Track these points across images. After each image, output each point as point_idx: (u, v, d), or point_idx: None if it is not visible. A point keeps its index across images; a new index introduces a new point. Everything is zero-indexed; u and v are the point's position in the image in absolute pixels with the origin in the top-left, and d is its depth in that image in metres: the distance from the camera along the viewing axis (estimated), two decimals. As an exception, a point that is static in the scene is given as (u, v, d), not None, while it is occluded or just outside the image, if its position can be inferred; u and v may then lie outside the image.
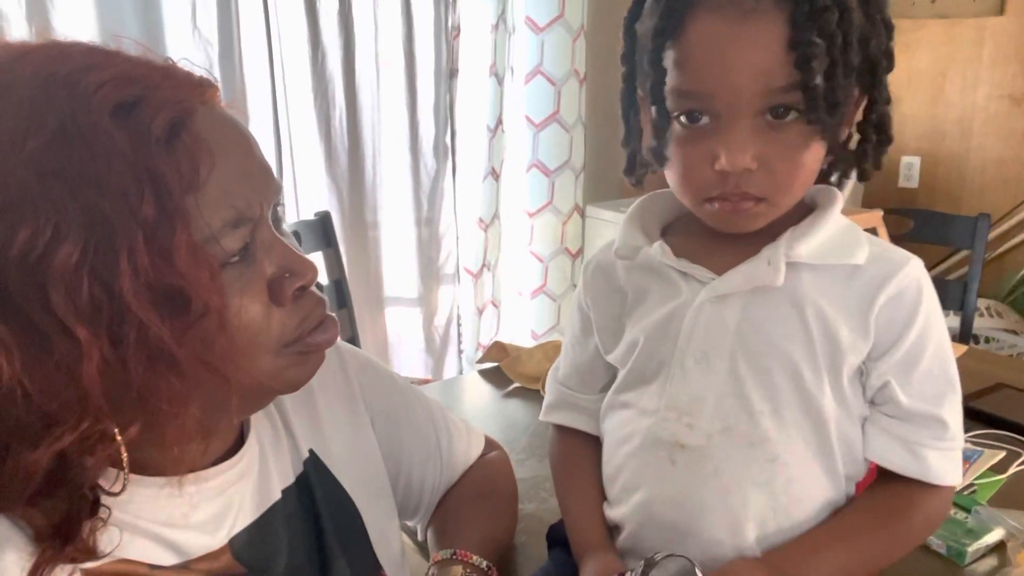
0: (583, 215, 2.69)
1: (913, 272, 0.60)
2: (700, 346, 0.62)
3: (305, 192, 2.18)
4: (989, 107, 2.64)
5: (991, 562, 0.82)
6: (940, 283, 2.11)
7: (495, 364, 1.37)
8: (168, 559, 0.53)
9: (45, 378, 0.43)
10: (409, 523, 0.83)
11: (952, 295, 1.97)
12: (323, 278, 1.70)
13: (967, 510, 0.86)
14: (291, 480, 0.63)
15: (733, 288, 0.61)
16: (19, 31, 1.58)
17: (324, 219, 1.72)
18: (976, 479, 0.96)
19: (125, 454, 0.48)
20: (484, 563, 0.71)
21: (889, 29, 0.57)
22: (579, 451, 0.74)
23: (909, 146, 2.81)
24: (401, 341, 2.50)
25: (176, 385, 0.46)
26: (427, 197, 2.41)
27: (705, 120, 0.56)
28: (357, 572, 0.64)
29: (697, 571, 0.56)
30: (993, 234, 2.59)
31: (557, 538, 0.75)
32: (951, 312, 2.04)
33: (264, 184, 0.52)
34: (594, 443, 0.73)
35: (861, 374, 0.62)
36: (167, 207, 0.44)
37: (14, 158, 0.42)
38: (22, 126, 0.42)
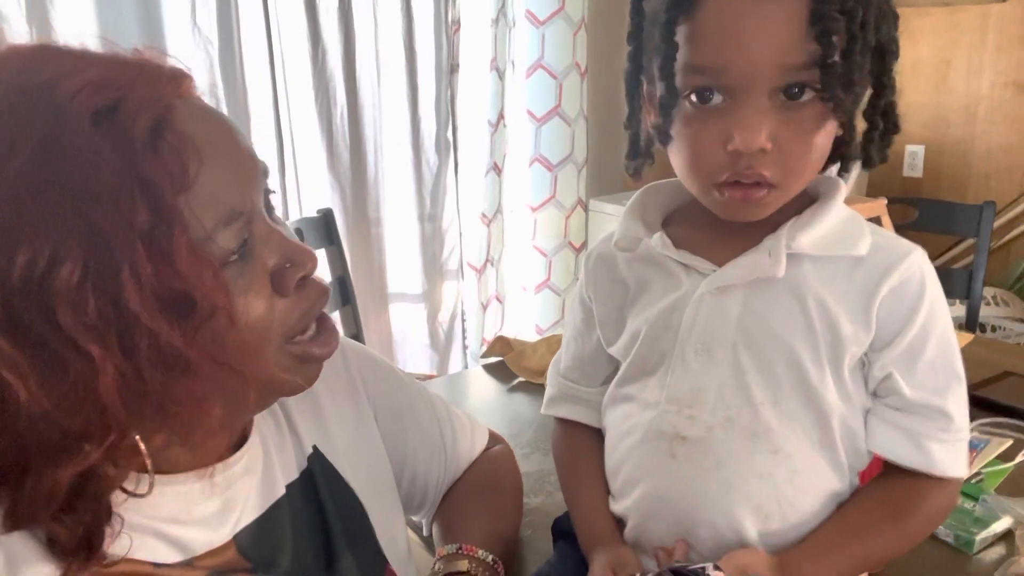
0: (586, 209, 2.69)
1: (916, 262, 0.60)
2: (701, 338, 0.62)
3: (307, 189, 2.18)
4: (994, 94, 2.62)
5: (999, 550, 0.81)
6: (946, 272, 2.10)
7: (499, 359, 1.37)
8: (172, 556, 0.52)
9: (63, 397, 0.43)
10: (414, 518, 0.83)
11: (958, 284, 1.96)
12: (327, 275, 1.70)
13: (975, 498, 0.86)
14: (295, 476, 0.63)
15: (734, 280, 0.61)
16: (19, 32, 1.58)
17: (327, 216, 1.72)
18: (983, 467, 0.95)
19: (149, 461, 0.48)
20: (490, 557, 0.71)
21: (895, 17, 0.56)
22: (582, 444, 0.74)
23: (913, 135, 2.80)
24: (406, 337, 2.50)
25: (194, 388, 0.46)
26: (430, 193, 2.41)
27: (717, 99, 0.54)
28: (363, 567, 0.64)
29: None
30: (999, 222, 2.57)
31: (562, 531, 0.75)
32: (957, 301, 2.03)
33: (252, 173, 0.51)
34: (597, 436, 0.73)
35: (863, 365, 0.62)
36: (162, 211, 0.43)
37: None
38: (2, 147, 0.41)
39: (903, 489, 0.61)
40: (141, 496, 0.49)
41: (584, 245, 2.68)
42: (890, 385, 0.61)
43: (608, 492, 0.70)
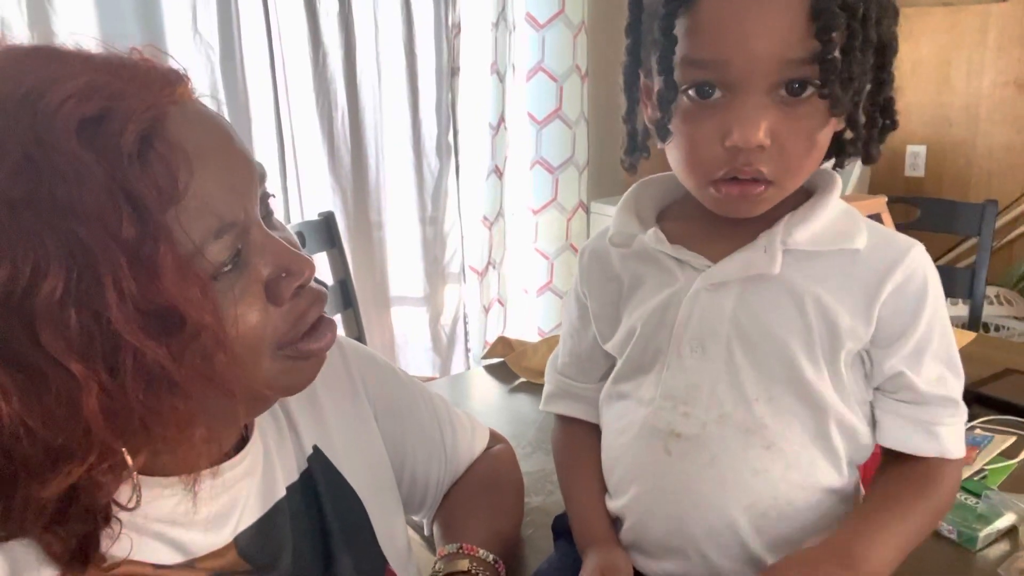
0: (587, 211, 2.69)
1: (918, 258, 0.60)
2: (696, 334, 0.62)
3: (309, 193, 2.19)
4: (995, 94, 2.62)
5: (1003, 547, 0.81)
6: (948, 271, 2.09)
7: (500, 359, 1.37)
8: (173, 558, 0.52)
9: (46, 415, 0.42)
10: (415, 518, 0.83)
11: (961, 283, 1.96)
12: (328, 278, 1.70)
13: (977, 495, 0.85)
14: (295, 477, 0.62)
15: (728, 276, 0.60)
16: (21, 36, 1.59)
17: (328, 220, 1.72)
18: (986, 464, 0.95)
19: (136, 475, 0.47)
20: (490, 556, 0.70)
21: (896, 13, 0.56)
22: (580, 441, 0.74)
23: (915, 135, 2.79)
24: (408, 340, 2.50)
25: (180, 407, 0.45)
26: (431, 196, 2.41)
27: (716, 94, 0.54)
28: (363, 568, 0.64)
29: None
30: (1001, 221, 2.57)
31: (562, 529, 0.75)
32: (960, 300, 2.03)
33: (247, 180, 0.50)
34: (595, 432, 0.73)
35: (863, 361, 0.62)
36: (148, 226, 0.42)
37: None
38: None
39: (920, 472, 0.62)
40: (130, 510, 0.48)
41: (586, 247, 2.68)
42: (901, 382, 0.61)
43: (605, 490, 0.70)
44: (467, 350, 2.62)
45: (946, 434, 0.61)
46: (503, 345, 1.39)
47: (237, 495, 0.56)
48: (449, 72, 2.36)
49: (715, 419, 0.61)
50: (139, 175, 0.42)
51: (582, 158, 2.60)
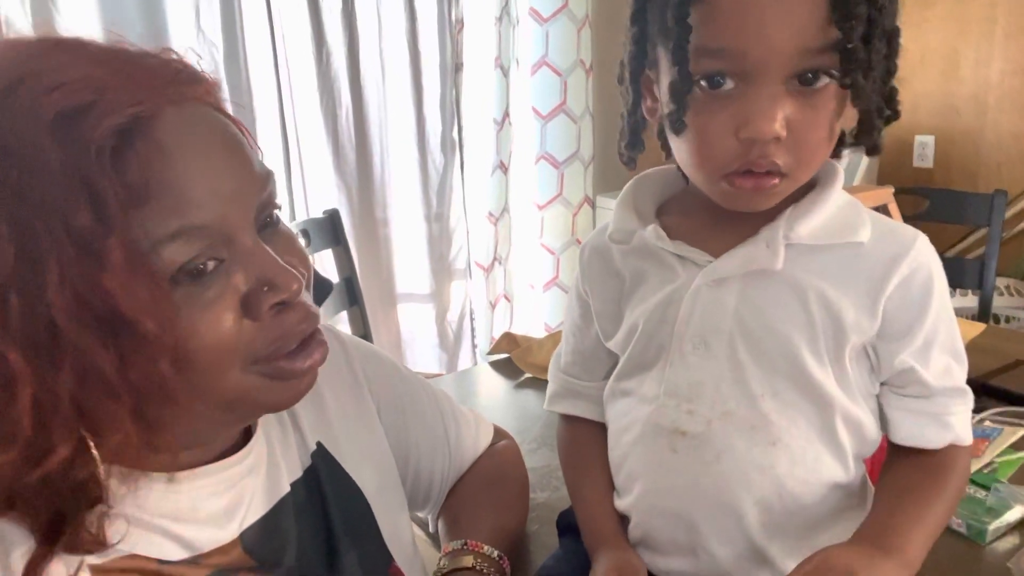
0: (593, 206, 2.68)
1: (923, 251, 0.59)
2: (698, 331, 0.61)
3: (314, 191, 2.19)
4: (1004, 82, 2.60)
5: (1013, 540, 0.80)
6: (958, 262, 2.08)
7: (506, 355, 1.37)
8: (178, 553, 0.52)
9: None
10: (419, 514, 0.82)
11: (970, 274, 1.94)
12: (334, 276, 1.70)
13: (987, 488, 0.85)
14: (299, 474, 0.62)
15: (730, 272, 0.60)
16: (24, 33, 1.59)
17: (333, 217, 1.72)
18: (996, 456, 0.94)
19: (107, 467, 0.46)
20: (495, 553, 0.70)
21: (897, 1, 0.56)
22: (586, 439, 0.73)
23: (923, 125, 2.77)
24: (414, 337, 2.50)
25: (114, 408, 0.44)
26: (436, 192, 2.41)
27: (729, 85, 0.52)
28: (368, 564, 0.64)
29: None
30: (1011, 211, 2.55)
31: (567, 525, 0.75)
32: (970, 291, 2.01)
33: (239, 190, 0.48)
34: (601, 430, 0.72)
35: (867, 355, 0.61)
36: (104, 220, 0.42)
37: None
38: None
39: (936, 461, 0.62)
40: (105, 502, 0.48)
41: (592, 242, 2.68)
42: (910, 376, 0.60)
43: (612, 488, 0.70)
44: (474, 346, 2.62)
45: (957, 423, 0.61)
46: (508, 341, 1.39)
47: (242, 492, 0.56)
48: (453, 68, 2.35)
49: (719, 416, 0.61)
50: (105, 169, 0.42)
51: (587, 152, 2.59)
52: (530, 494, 0.86)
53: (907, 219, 1.99)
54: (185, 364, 0.45)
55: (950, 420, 0.61)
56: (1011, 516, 0.81)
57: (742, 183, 0.55)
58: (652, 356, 0.64)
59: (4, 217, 0.41)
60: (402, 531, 0.70)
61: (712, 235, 0.61)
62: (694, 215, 0.63)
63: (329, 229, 1.70)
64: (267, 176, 0.51)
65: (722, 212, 0.59)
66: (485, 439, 0.83)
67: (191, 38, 1.87)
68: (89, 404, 0.43)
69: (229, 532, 0.55)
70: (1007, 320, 2.46)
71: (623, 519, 0.69)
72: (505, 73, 2.38)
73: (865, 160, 2.48)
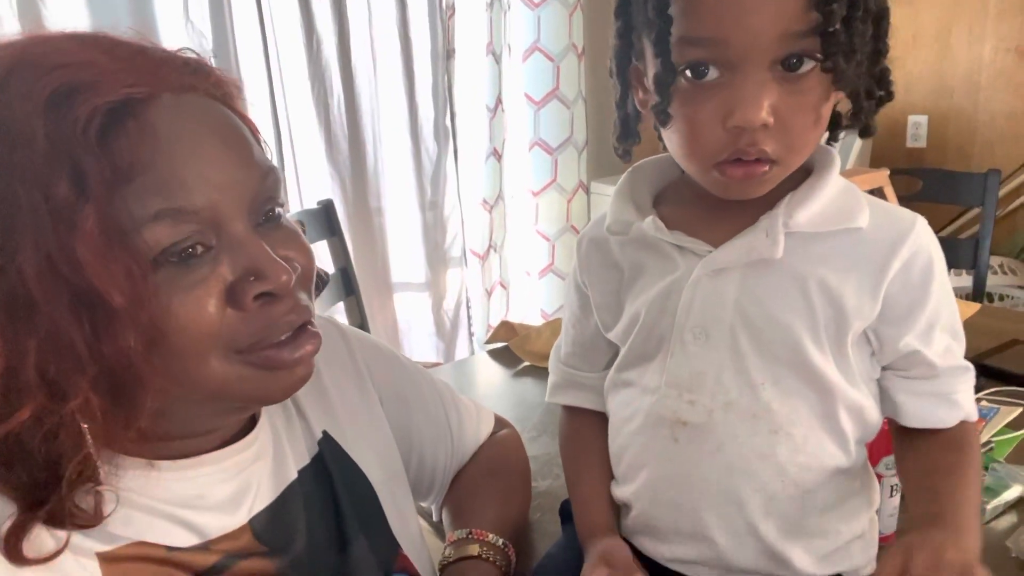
0: (588, 192, 2.68)
1: (923, 233, 0.59)
2: (699, 321, 0.61)
3: (307, 181, 2.18)
4: (996, 61, 2.59)
5: (1010, 519, 0.81)
6: (952, 242, 2.09)
7: (504, 344, 1.37)
8: (188, 540, 0.52)
9: None
10: (423, 504, 0.83)
11: (964, 253, 1.95)
12: (329, 266, 1.70)
13: (984, 468, 0.85)
14: (307, 460, 0.63)
15: (730, 262, 0.60)
16: (11, 30, 1.58)
17: (327, 207, 1.71)
18: (993, 436, 0.95)
19: (92, 444, 0.46)
20: (500, 541, 0.71)
21: None
22: (587, 430, 0.73)
23: (916, 105, 2.77)
24: (411, 326, 2.50)
25: (83, 384, 0.44)
26: (430, 180, 2.40)
27: (713, 74, 0.52)
28: (376, 551, 0.64)
29: None
30: (1005, 190, 2.55)
31: (570, 513, 0.75)
32: (964, 271, 2.02)
33: (232, 179, 0.48)
34: (603, 421, 0.72)
35: (868, 340, 0.61)
36: (84, 195, 0.42)
37: None
38: None
39: (955, 439, 0.62)
40: (99, 483, 0.48)
41: (587, 228, 2.68)
42: (915, 359, 0.61)
43: (610, 481, 0.70)
44: (471, 334, 2.62)
45: (964, 400, 0.62)
46: (506, 329, 1.39)
47: (249, 478, 0.57)
48: (444, 55, 2.33)
49: (721, 406, 0.61)
50: (90, 144, 0.43)
51: (581, 138, 2.58)
52: (532, 482, 0.86)
53: (901, 199, 1.99)
54: (158, 344, 0.46)
55: (957, 398, 0.62)
56: (1009, 495, 0.82)
57: (732, 172, 0.55)
58: (653, 347, 0.64)
59: None
60: (408, 520, 0.70)
61: (710, 224, 0.61)
62: (691, 204, 0.63)
63: (324, 220, 1.70)
64: (267, 171, 0.51)
65: (719, 201, 0.59)
66: (487, 428, 0.84)
67: (179, 28, 1.85)
68: (55, 370, 0.44)
69: (238, 518, 0.55)
70: (1001, 298, 2.47)
71: (624, 508, 0.69)
72: (497, 59, 2.37)
73: (858, 142, 2.48)
